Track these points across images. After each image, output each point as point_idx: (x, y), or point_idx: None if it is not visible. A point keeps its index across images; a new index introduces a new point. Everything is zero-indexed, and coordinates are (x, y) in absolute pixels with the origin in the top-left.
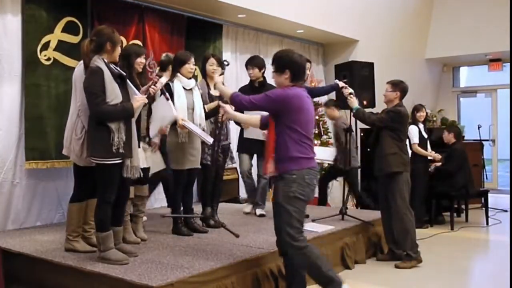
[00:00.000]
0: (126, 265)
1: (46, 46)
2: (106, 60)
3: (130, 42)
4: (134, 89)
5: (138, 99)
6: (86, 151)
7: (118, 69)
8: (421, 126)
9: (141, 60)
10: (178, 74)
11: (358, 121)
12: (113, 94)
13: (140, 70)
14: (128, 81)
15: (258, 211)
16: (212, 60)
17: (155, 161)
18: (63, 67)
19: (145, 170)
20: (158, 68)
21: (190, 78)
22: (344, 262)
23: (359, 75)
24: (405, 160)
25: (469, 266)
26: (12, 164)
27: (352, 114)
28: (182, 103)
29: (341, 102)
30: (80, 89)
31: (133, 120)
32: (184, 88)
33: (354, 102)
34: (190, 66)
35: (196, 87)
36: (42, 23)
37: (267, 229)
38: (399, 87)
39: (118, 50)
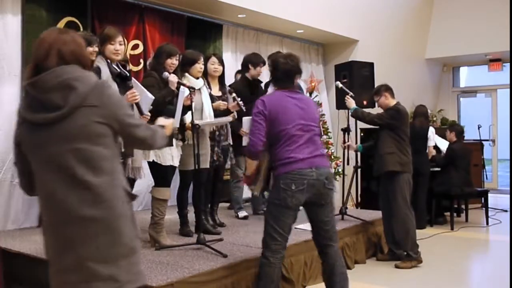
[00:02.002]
0: None
1: None
2: (108, 60)
3: (130, 42)
4: (141, 87)
5: (128, 94)
6: None
7: (121, 68)
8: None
9: (172, 61)
10: (186, 74)
11: (357, 121)
12: None
13: (171, 71)
14: (134, 80)
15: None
16: (213, 59)
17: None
18: None
19: (171, 169)
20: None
21: (198, 78)
22: (344, 262)
23: (359, 75)
24: (403, 160)
25: (469, 266)
26: (12, 164)
27: (350, 114)
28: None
29: (340, 103)
30: None
31: None
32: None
33: (351, 102)
34: (200, 65)
35: (204, 87)
36: (42, 23)
37: None
38: (381, 90)
39: (109, 49)
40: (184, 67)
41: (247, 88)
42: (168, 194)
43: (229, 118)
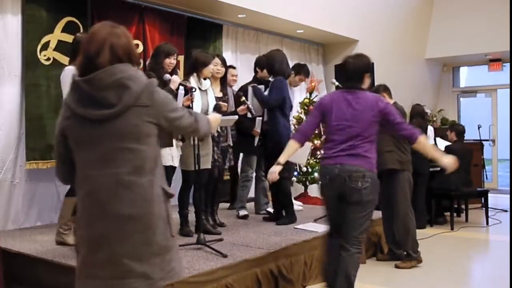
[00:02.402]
0: None
1: (46, 46)
2: None
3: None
4: None
5: None
6: None
7: None
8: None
9: (170, 60)
10: (195, 74)
11: None
12: None
13: (170, 71)
14: None
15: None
16: (216, 60)
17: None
18: (63, 67)
19: (171, 169)
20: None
21: (205, 79)
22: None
23: None
24: (403, 158)
25: (469, 266)
26: (12, 164)
27: None
28: (198, 105)
29: None
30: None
31: None
32: (200, 89)
33: None
34: (212, 67)
35: (210, 88)
36: (42, 23)
37: (267, 229)
38: (380, 90)
39: None
40: (196, 68)
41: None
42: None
43: (235, 117)
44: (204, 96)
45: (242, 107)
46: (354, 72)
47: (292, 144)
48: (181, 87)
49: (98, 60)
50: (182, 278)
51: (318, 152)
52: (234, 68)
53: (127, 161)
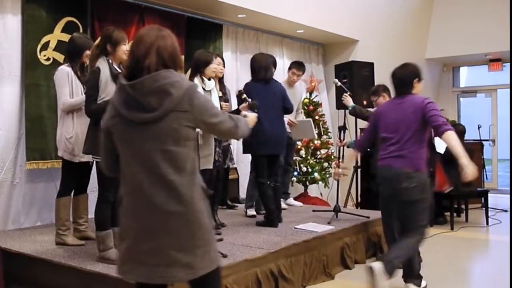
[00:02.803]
0: None
1: (46, 46)
2: (110, 61)
3: (130, 42)
4: None
5: None
6: (84, 147)
7: (121, 69)
8: None
9: None
10: (198, 75)
11: (357, 120)
12: (105, 92)
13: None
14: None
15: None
16: (218, 60)
17: None
18: None
19: None
20: None
21: (210, 79)
22: (344, 262)
23: (359, 75)
24: None
25: (469, 266)
26: (12, 164)
27: (348, 112)
28: None
29: (339, 103)
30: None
31: None
32: (204, 89)
33: (349, 100)
34: (214, 65)
35: (214, 89)
36: (42, 23)
37: (267, 229)
38: (379, 90)
39: (122, 49)
40: (198, 68)
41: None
42: None
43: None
44: (208, 97)
45: (243, 104)
46: (401, 80)
47: (350, 152)
48: None
49: (145, 63)
50: (218, 266)
51: (318, 152)
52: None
53: (167, 162)
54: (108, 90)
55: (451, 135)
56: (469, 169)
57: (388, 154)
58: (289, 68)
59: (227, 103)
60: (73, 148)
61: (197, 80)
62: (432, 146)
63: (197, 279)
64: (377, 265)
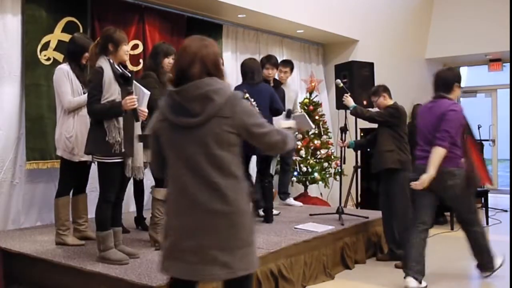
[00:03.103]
0: (126, 265)
1: (46, 46)
2: (111, 61)
3: (130, 42)
4: (143, 89)
5: (127, 100)
6: (85, 147)
7: (122, 69)
8: None
9: (169, 60)
10: None
11: (357, 121)
12: (108, 92)
13: (169, 70)
14: (135, 82)
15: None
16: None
17: None
18: None
19: None
20: None
21: None
22: (344, 262)
23: (359, 75)
24: (403, 158)
25: (469, 266)
26: (11, 164)
27: (349, 112)
28: None
29: (340, 103)
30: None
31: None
32: None
33: (350, 100)
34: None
35: None
36: (42, 23)
37: (267, 229)
38: (379, 92)
39: (123, 49)
40: None
41: None
42: None
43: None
44: None
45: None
46: (443, 81)
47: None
48: None
49: (191, 72)
50: (256, 269)
51: (318, 152)
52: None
53: (211, 165)
54: (111, 90)
55: (436, 150)
56: (422, 178)
57: (426, 153)
58: (263, 65)
59: None
60: (73, 148)
61: None
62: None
63: (233, 279)
64: (484, 274)
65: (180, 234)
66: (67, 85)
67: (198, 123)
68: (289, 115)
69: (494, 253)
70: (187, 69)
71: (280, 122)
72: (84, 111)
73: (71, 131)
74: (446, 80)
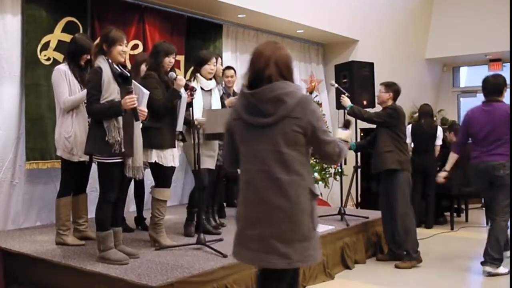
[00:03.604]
0: (126, 265)
1: (46, 46)
2: (110, 60)
3: (130, 42)
4: (142, 88)
5: (126, 100)
6: (85, 147)
7: (121, 68)
8: None
9: (170, 59)
10: (197, 75)
11: (357, 120)
12: (108, 92)
13: (168, 70)
14: (134, 81)
15: None
16: (213, 61)
17: None
18: None
19: (172, 170)
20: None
21: (210, 79)
22: (344, 262)
23: (359, 75)
24: (402, 158)
25: (469, 266)
26: (11, 164)
27: (346, 112)
28: (199, 105)
29: (339, 103)
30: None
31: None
32: (202, 89)
33: (346, 101)
34: (211, 67)
35: (216, 89)
36: (42, 23)
37: None
38: (392, 88)
39: (117, 49)
40: (195, 67)
41: None
42: (168, 195)
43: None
44: (207, 97)
45: None
46: (496, 86)
47: (452, 156)
48: (182, 89)
49: (265, 74)
50: (316, 262)
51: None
52: (231, 69)
53: (277, 162)
54: (110, 89)
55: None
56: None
57: (483, 153)
58: None
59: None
60: (72, 148)
61: (196, 79)
62: None
63: (289, 269)
64: (489, 268)
65: (246, 222)
66: (64, 86)
67: (270, 123)
68: (347, 125)
69: (506, 254)
70: (262, 71)
71: (338, 131)
72: (83, 110)
73: (70, 131)
74: (498, 85)
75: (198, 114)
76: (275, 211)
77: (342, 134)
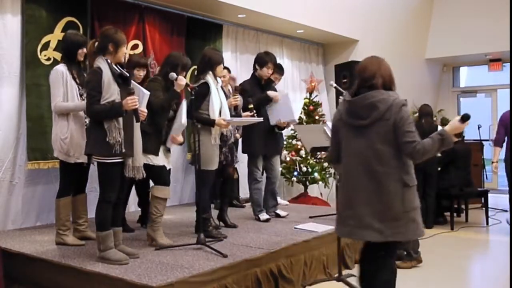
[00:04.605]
0: (126, 265)
1: (46, 46)
2: (109, 61)
3: (130, 42)
4: (142, 89)
5: (128, 100)
6: (86, 148)
7: (121, 69)
8: None
9: (183, 74)
10: (210, 73)
11: None
12: (108, 93)
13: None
14: (133, 82)
15: (282, 213)
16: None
17: None
18: None
19: (162, 168)
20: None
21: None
22: (344, 262)
23: None
24: None
25: (469, 266)
26: (10, 164)
27: None
28: (217, 103)
29: (337, 103)
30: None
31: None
32: (215, 87)
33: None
34: (222, 66)
35: (220, 88)
36: (42, 23)
37: (267, 229)
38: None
39: (123, 51)
40: (211, 66)
41: (257, 87)
42: (167, 193)
43: (259, 119)
44: (217, 95)
45: (248, 113)
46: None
47: (496, 149)
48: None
49: (373, 83)
50: (409, 239)
51: (318, 152)
52: (225, 68)
53: (373, 156)
54: (111, 90)
55: None
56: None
57: None
58: None
59: (236, 97)
60: (68, 149)
61: (209, 78)
62: None
63: (384, 243)
64: None
65: (346, 205)
66: (59, 88)
67: (367, 124)
68: (465, 119)
69: None
70: (370, 81)
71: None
72: (80, 112)
73: (66, 133)
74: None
75: (217, 113)
76: (370, 195)
77: (450, 125)
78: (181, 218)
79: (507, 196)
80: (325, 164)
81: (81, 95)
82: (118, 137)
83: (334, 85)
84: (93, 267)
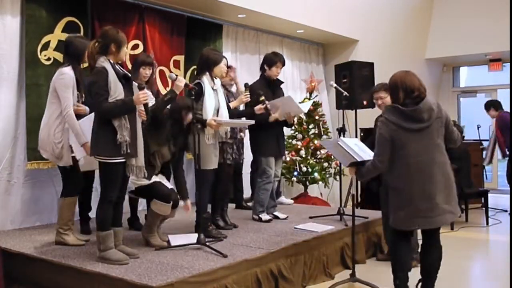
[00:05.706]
0: (126, 265)
1: (46, 46)
2: (112, 61)
3: (130, 42)
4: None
5: (140, 95)
6: (92, 149)
7: (124, 70)
8: None
9: (223, 69)
10: (207, 73)
11: (357, 120)
12: (116, 92)
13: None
14: (134, 82)
15: (281, 215)
16: (225, 61)
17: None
18: None
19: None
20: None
21: (216, 78)
22: (344, 262)
23: (359, 75)
24: None
25: (469, 266)
26: (8, 164)
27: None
28: (211, 104)
29: (339, 103)
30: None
31: (139, 121)
32: (212, 88)
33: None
34: (223, 66)
35: (220, 88)
36: (42, 23)
37: (267, 229)
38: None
39: (124, 51)
40: (208, 67)
41: (267, 88)
42: (166, 210)
43: (251, 122)
44: (215, 96)
45: (260, 106)
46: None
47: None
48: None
49: (418, 93)
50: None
51: (318, 152)
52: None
53: (437, 149)
54: (118, 89)
55: None
56: None
57: None
58: None
59: (247, 94)
60: (59, 153)
61: (205, 78)
62: None
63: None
64: None
65: (420, 199)
66: (70, 92)
67: (428, 125)
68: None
69: None
70: (415, 91)
71: None
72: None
73: (60, 137)
74: None
75: (210, 114)
76: (440, 184)
77: None
78: (181, 218)
79: (508, 196)
80: (325, 164)
81: (79, 101)
82: (127, 136)
83: (334, 85)
84: (93, 267)
